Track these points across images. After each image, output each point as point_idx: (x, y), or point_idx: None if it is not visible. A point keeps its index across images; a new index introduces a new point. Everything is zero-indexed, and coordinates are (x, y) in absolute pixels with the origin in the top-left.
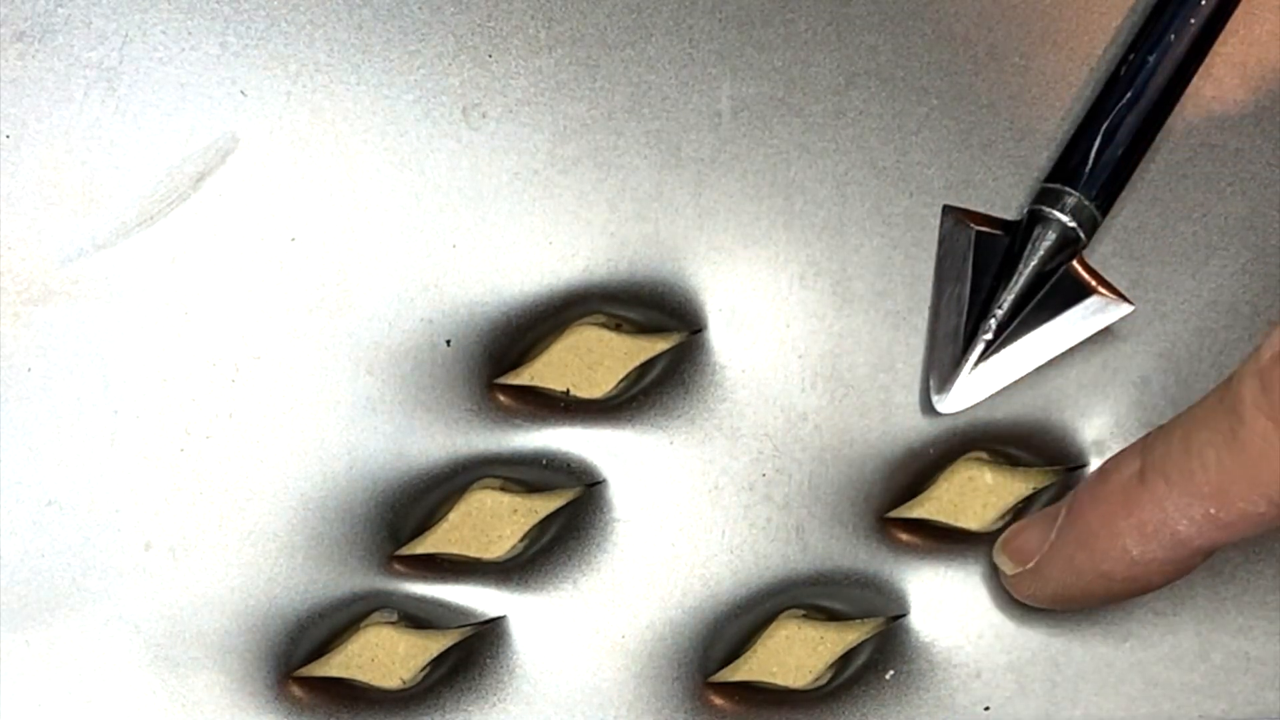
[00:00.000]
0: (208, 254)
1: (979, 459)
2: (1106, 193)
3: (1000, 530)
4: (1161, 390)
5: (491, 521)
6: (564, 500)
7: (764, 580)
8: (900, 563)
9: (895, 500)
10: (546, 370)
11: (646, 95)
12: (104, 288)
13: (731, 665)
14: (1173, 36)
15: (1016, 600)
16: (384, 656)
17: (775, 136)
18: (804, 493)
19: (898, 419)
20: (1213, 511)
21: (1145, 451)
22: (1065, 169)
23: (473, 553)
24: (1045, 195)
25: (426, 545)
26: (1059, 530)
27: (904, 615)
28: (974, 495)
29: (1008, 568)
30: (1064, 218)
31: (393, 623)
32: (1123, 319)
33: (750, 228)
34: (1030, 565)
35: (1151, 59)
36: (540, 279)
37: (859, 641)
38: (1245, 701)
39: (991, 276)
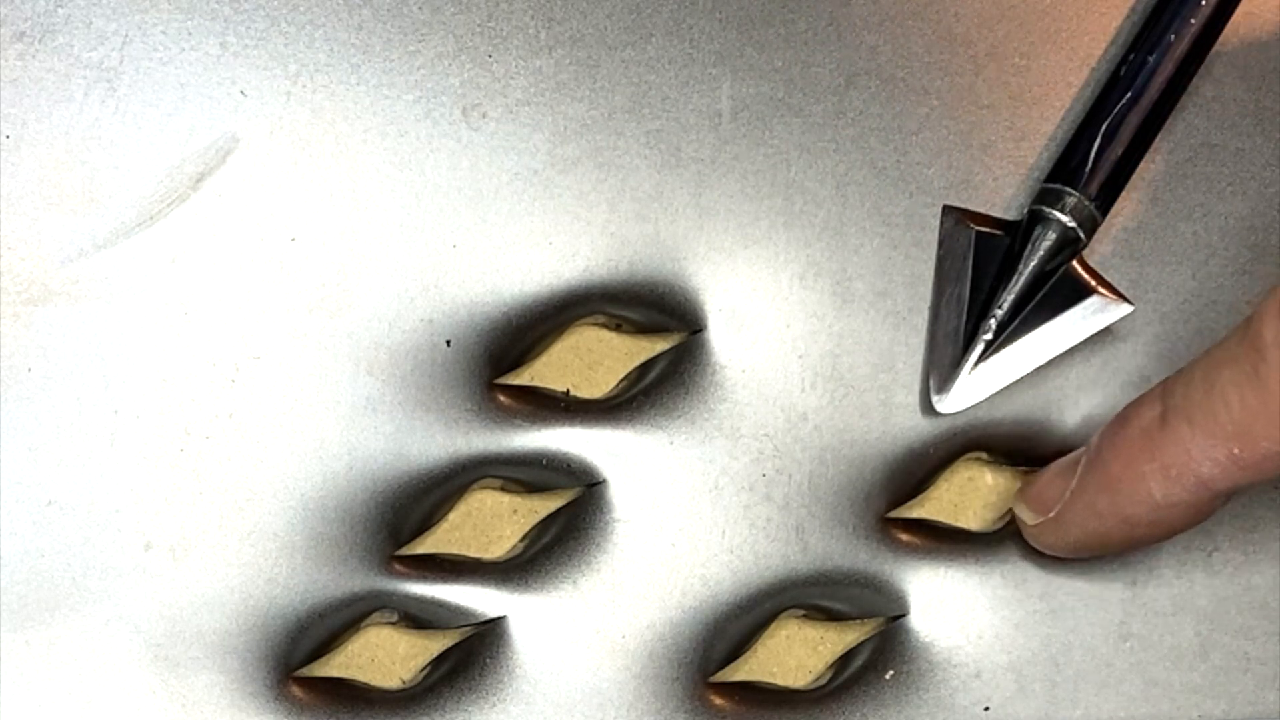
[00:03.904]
0: (208, 254)
1: (979, 459)
2: (1106, 193)
3: (1000, 530)
4: None
5: (491, 521)
6: (564, 500)
7: (764, 580)
8: (900, 563)
9: (895, 500)
10: (546, 370)
11: (646, 95)
12: (104, 288)
13: (731, 665)
14: (1173, 36)
15: (1016, 600)
16: (384, 656)
17: (775, 136)
18: (804, 493)
19: (898, 419)
20: (1236, 452)
21: (1165, 395)
22: (1065, 169)
23: (473, 553)
24: (1045, 195)
25: (426, 545)
26: (1080, 477)
27: (904, 615)
28: (974, 495)
29: (1029, 517)
30: (1064, 218)
31: (393, 623)
32: (1123, 319)
33: (750, 228)
34: (1052, 514)
35: (1151, 59)
36: (540, 279)
37: (859, 641)
38: (1245, 701)
39: (991, 277)
